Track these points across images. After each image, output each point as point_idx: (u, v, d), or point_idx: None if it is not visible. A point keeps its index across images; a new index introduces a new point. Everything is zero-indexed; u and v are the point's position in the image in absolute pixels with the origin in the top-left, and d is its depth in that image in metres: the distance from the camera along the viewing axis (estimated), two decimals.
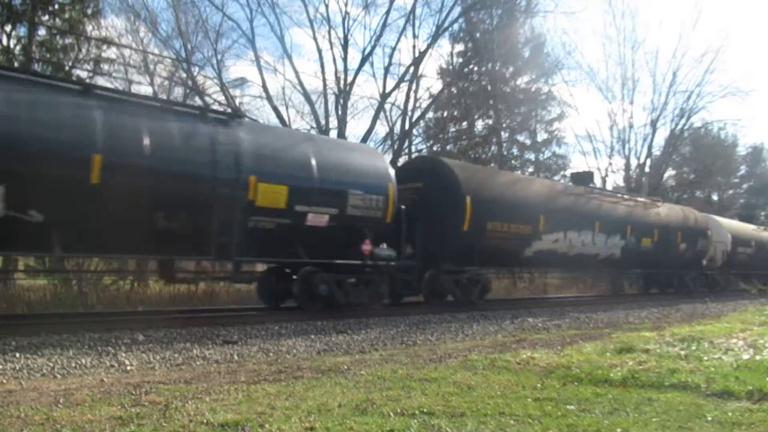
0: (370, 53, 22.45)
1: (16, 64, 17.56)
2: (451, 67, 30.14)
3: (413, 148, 26.22)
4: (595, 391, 4.93)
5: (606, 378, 5.41)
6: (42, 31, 19.05)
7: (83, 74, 19.74)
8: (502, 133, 32.01)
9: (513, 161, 33.86)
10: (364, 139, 22.08)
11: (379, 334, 9.16)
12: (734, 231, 25.93)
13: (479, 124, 32.46)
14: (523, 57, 31.12)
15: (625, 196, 20.14)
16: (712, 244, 23.31)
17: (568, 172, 36.65)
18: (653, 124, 33.03)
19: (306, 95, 21.69)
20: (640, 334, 8.78)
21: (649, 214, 20.08)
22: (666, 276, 22.11)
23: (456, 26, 26.44)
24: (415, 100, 24.05)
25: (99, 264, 15.59)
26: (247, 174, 9.61)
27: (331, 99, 21.65)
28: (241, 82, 22.92)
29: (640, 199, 21.10)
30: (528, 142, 36.28)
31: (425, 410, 4.14)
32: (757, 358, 6.29)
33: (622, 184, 33.89)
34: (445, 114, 29.38)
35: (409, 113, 23.55)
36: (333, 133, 21.28)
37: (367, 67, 23.66)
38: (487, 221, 13.62)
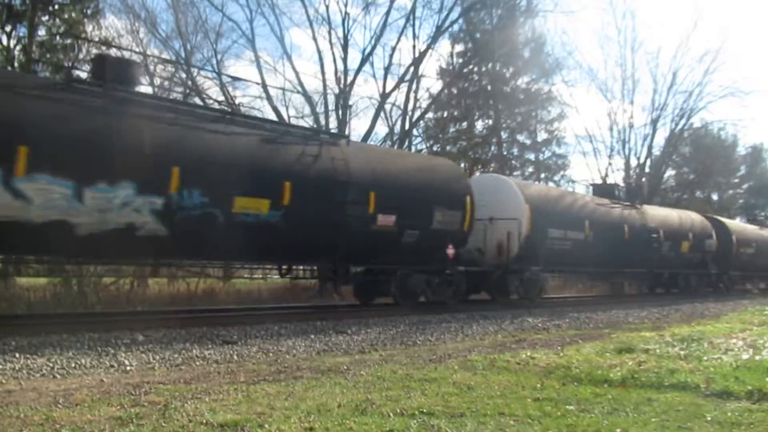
0: (371, 53, 22.56)
1: (16, 65, 17.58)
2: (451, 68, 30.18)
3: (413, 149, 26.24)
4: (595, 392, 4.93)
5: (605, 378, 5.41)
6: (42, 32, 19.08)
7: (83, 75, 19.75)
8: (502, 133, 32.08)
9: (513, 161, 33.88)
10: (365, 139, 22.10)
11: (379, 335, 9.16)
12: (542, 203, 15.84)
13: (479, 125, 32.57)
14: (523, 57, 31.16)
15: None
16: (474, 223, 13.73)
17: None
18: (653, 124, 33.11)
19: (306, 95, 21.73)
20: (640, 334, 8.78)
21: (279, 155, 10.47)
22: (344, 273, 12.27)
23: (456, 26, 26.57)
24: (415, 100, 24.14)
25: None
26: None
27: (331, 99, 21.70)
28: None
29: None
30: (528, 142, 36.30)
31: (425, 410, 4.14)
32: (757, 358, 6.29)
33: (622, 184, 33.93)
34: (445, 114, 29.42)
35: (409, 113, 23.62)
36: None
37: (367, 67, 23.81)
38: None
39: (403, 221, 12.05)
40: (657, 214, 21.73)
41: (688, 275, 22.95)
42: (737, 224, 27.57)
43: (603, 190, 21.22)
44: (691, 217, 24.07)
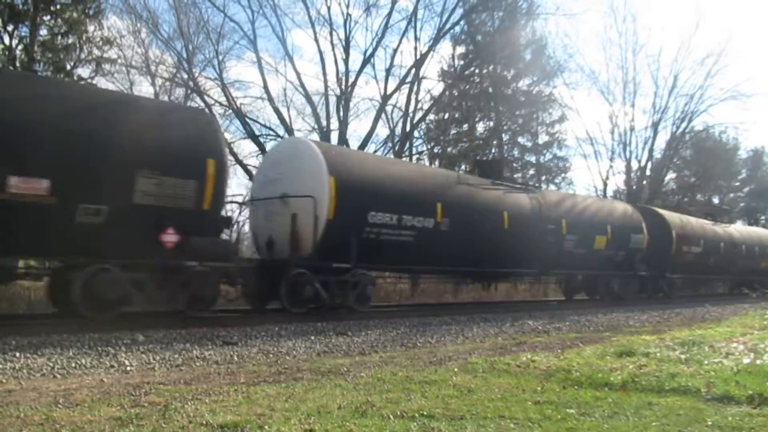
0: (372, 55, 22.57)
1: (17, 64, 17.61)
2: (452, 69, 30.20)
3: (414, 150, 26.26)
4: (595, 395, 4.92)
5: (606, 381, 5.40)
6: (44, 31, 19.10)
7: (85, 74, 19.81)
8: (503, 135, 32.09)
9: (514, 163, 33.88)
10: (366, 141, 22.12)
11: (379, 336, 9.15)
12: (357, 175, 11.69)
13: (480, 126, 32.59)
14: (525, 59, 31.17)
15: None
16: (222, 200, 10.01)
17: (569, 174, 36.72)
18: (654, 127, 33.08)
19: (307, 96, 21.76)
20: (641, 338, 8.77)
21: None
22: None
23: (457, 28, 26.57)
24: (417, 101, 24.12)
25: None
26: None
27: (333, 100, 21.70)
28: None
29: None
30: (529, 144, 36.36)
31: (425, 413, 4.13)
32: (758, 362, 6.27)
33: (623, 186, 33.91)
34: (446, 116, 29.43)
35: (411, 115, 23.61)
36: (335, 135, 21.29)
37: (368, 68, 23.80)
38: None
39: (69, 189, 8.06)
40: (558, 199, 17.39)
41: (609, 278, 18.44)
42: (679, 217, 22.75)
43: (486, 167, 16.68)
44: (613, 207, 19.85)
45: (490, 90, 29.76)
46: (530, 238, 15.00)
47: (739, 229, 28.08)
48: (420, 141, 27.97)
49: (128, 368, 6.14)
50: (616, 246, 18.11)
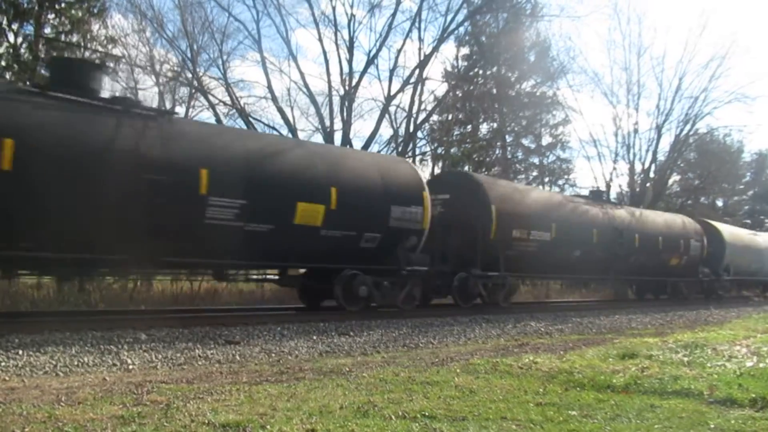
0: (376, 55, 22.53)
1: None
2: (456, 71, 30.17)
3: (417, 151, 26.27)
4: (598, 397, 4.92)
5: (608, 384, 5.39)
6: (48, 30, 19.15)
7: None
8: (507, 136, 32.05)
9: (517, 165, 33.84)
10: (369, 141, 22.12)
11: (381, 337, 9.15)
12: None
13: (484, 128, 32.55)
14: (528, 61, 31.09)
15: None
16: None
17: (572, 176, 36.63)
18: (658, 129, 32.88)
19: (311, 96, 21.74)
20: (643, 340, 8.75)
21: None
22: None
23: (461, 29, 26.52)
24: (420, 102, 24.07)
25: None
26: None
27: (336, 100, 21.71)
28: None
29: None
30: (532, 146, 36.26)
31: (427, 414, 4.13)
32: (761, 365, 6.26)
33: (626, 189, 33.78)
34: (450, 117, 29.40)
35: (414, 116, 23.57)
36: (338, 135, 21.30)
37: (372, 69, 23.71)
38: None
39: None
40: (200, 133, 9.83)
41: (351, 277, 10.98)
42: (512, 187, 16.14)
43: (59, 68, 9.34)
44: (347, 155, 12.42)
45: (494, 91, 29.73)
46: (104, 198, 8.27)
47: (634, 212, 19.73)
48: (424, 142, 28.00)
49: (131, 367, 6.15)
50: (356, 224, 10.95)
